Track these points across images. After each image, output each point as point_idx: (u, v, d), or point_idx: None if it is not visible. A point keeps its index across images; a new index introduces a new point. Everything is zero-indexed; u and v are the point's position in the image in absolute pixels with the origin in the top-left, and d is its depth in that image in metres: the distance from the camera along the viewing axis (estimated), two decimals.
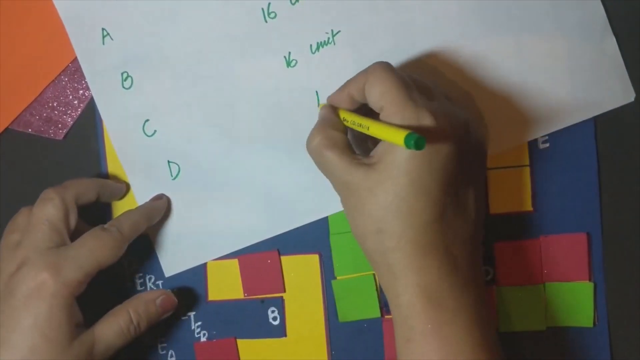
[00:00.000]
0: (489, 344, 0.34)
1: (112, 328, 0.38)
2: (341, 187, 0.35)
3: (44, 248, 0.37)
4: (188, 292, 0.43)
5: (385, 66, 0.34)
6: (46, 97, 0.43)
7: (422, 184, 0.33)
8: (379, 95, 0.34)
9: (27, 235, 0.37)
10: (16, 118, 0.43)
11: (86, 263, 0.37)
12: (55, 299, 0.35)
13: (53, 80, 0.43)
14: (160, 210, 0.42)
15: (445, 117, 0.33)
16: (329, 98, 0.38)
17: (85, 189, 0.40)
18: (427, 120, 0.32)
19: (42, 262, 0.36)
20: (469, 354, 0.33)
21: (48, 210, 0.37)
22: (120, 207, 0.43)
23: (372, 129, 0.33)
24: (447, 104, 0.35)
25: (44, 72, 0.43)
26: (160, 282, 0.44)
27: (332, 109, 0.37)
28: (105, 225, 0.38)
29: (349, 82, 0.36)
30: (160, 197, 0.42)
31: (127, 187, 0.43)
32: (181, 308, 0.43)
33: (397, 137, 0.31)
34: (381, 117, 0.34)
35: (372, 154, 0.35)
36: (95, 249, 0.37)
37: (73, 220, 0.38)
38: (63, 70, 0.43)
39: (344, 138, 0.36)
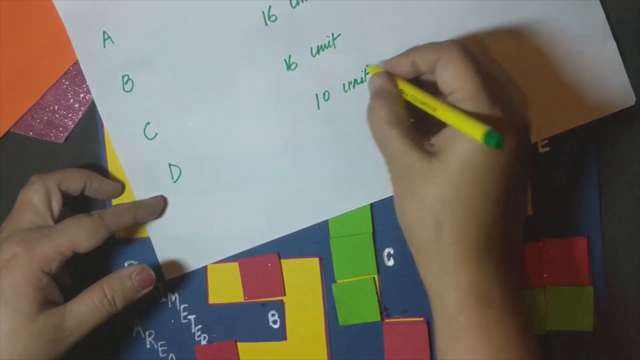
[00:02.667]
0: (533, 345, 0.34)
1: (85, 303, 0.37)
2: (398, 167, 0.34)
3: (24, 228, 0.38)
4: (189, 294, 0.43)
5: (461, 46, 0.33)
6: (47, 100, 0.43)
7: (486, 182, 0.32)
8: (453, 77, 0.32)
9: (10, 218, 0.39)
10: (17, 121, 0.43)
11: (59, 240, 0.37)
12: (23, 270, 0.36)
13: (54, 84, 0.43)
14: (150, 207, 0.42)
15: (514, 115, 0.33)
16: (386, 62, 0.36)
17: (70, 176, 0.40)
18: (499, 116, 0.31)
19: (18, 238, 0.37)
20: (516, 353, 0.32)
21: (30, 194, 0.38)
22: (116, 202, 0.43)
23: (442, 112, 0.32)
24: (513, 101, 0.34)
25: (45, 75, 0.43)
26: (161, 285, 0.44)
27: (389, 78, 0.35)
28: (91, 213, 0.39)
29: (415, 51, 0.35)
30: (157, 198, 0.42)
31: (123, 188, 0.43)
32: (181, 310, 0.43)
33: (475, 130, 0.29)
34: (450, 100, 0.33)
35: (433, 140, 0.33)
36: (71, 229, 0.37)
37: (56, 203, 0.39)
38: (64, 74, 0.43)
39: (406, 114, 0.34)
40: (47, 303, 0.37)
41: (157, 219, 0.42)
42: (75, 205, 0.42)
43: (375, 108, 0.34)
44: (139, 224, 0.42)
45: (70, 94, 0.43)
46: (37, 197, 0.38)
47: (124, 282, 0.39)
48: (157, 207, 0.42)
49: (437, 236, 0.33)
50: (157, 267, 0.43)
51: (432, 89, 0.35)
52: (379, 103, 0.34)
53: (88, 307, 0.37)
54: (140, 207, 0.41)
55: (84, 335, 0.38)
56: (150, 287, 0.40)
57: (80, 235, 0.37)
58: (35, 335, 0.36)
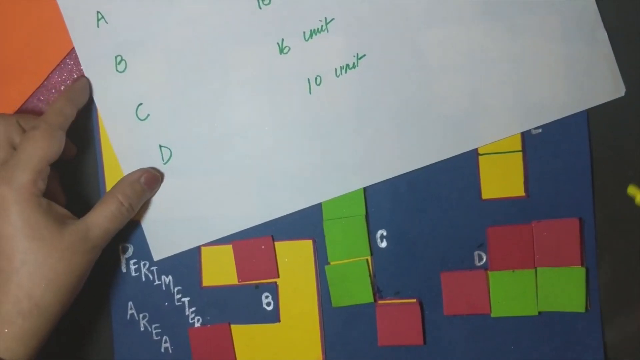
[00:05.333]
0: None
1: (104, 214, 0.40)
2: None
3: None
4: (182, 277, 0.44)
5: None
6: (53, 81, 0.43)
7: None
8: None
9: None
10: (24, 103, 0.43)
11: (30, 163, 0.38)
12: (18, 204, 0.37)
13: (59, 65, 0.43)
14: (82, 89, 0.42)
15: None
16: None
17: (26, 115, 0.41)
18: None
19: None
20: None
21: None
22: (110, 183, 0.43)
23: None
24: None
25: (48, 56, 0.43)
26: (154, 268, 0.44)
27: None
28: (34, 124, 0.39)
29: None
30: (79, 78, 0.42)
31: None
32: (176, 293, 0.43)
33: None
34: None
35: None
36: (31, 148, 0.38)
37: (16, 137, 0.40)
38: (68, 54, 0.43)
39: None
40: (61, 220, 0.38)
41: (148, 198, 0.43)
42: (67, 174, 0.42)
43: None
44: (80, 108, 0.41)
45: (76, 74, 0.43)
46: None
47: (134, 187, 0.41)
48: (86, 83, 0.42)
49: None
50: (146, 248, 0.43)
51: None
52: None
53: (108, 217, 0.40)
54: (71, 92, 0.41)
55: (109, 240, 0.40)
56: (159, 186, 0.42)
57: (42, 147, 0.38)
58: (68, 250, 0.38)
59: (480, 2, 0.40)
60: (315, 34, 0.40)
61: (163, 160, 0.43)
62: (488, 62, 0.40)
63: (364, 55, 0.40)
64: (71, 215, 0.40)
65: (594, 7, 0.39)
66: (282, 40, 0.41)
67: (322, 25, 0.40)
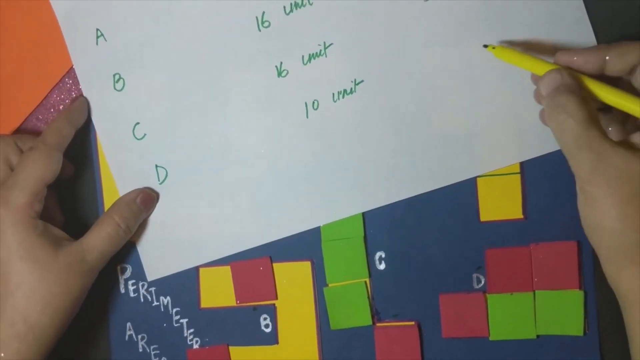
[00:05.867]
0: None
1: (101, 236, 0.40)
2: (602, 171, 0.31)
3: None
4: (181, 298, 0.44)
5: None
6: (52, 100, 0.43)
7: None
8: None
9: None
10: (23, 122, 0.44)
11: (27, 184, 0.38)
12: (14, 226, 0.37)
13: (57, 83, 0.43)
14: (80, 109, 0.42)
15: None
16: (568, 56, 0.35)
17: (24, 136, 0.41)
18: None
19: None
20: None
21: None
22: (108, 202, 0.43)
23: None
24: None
25: (47, 75, 0.43)
26: (153, 289, 0.44)
27: (573, 75, 0.34)
28: (32, 144, 0.40)
29: (607, 48, 0.34)
30: (77, 98, 0.42)
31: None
32: (174, 314, 0.43)
33: None
34: None
35: (636, 139, 0.33)
36: (28, 169, 0.38)
37: (14, 157, 0.40)
38: (67, 73, 0.43)
39: (598, 115, 0.33)
40: (57, 242, 0.39)
41: (144, 218, 0.43)
42: (65, 194, 0.43)
43: (568, 103, 0.32)
44: (78, 128, 0.42)
45: (75, 93, 0.43)
46: None
47: (131, 207, 0.41)
48: (84, 104, 0.42)
49: None
50: (140, 268, 0.43)
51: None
52: (573, 97, 0.32)
53: (105, 239, 0.40)
54: (69, 112, 0.41)
55: (106, 262, 0.40)
56: (155, 205, 0.42)
57: (39, 168, 0.38)
58: (64, 272, 0.38)
59: (478, 27, 0.40)
60: (314, 58, 0.41)
61: (159, 180, 0.43)
62: (486, 89, 0.40)
63: (362, 81, 0.40)
64: (67, 237, 0.40)
65: (591, 36, 0.39)
66: (281, 63, 0.41)
67: (320, 50, 0.41)
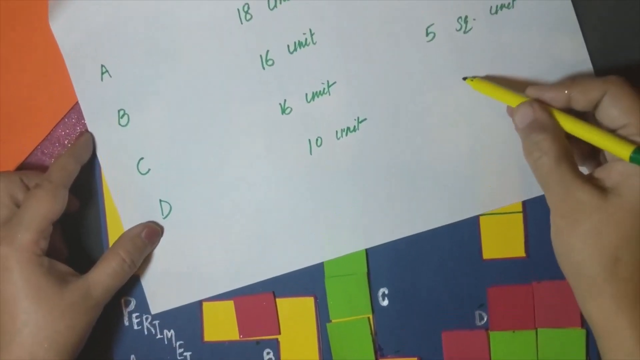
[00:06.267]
0: None
1: (106, 271, 0.40)
2: (568, 203, 0.33)
3: None
4: (184, 331, 0.44)
5: (627, 82, 0.34)
6: (57, 135, 0.44)
7: None
8: (626, 111, 0.33)
9: None
10: (28, 156, 0.44)
11: (32, 222, 0.38)
12: (20, 264, 0.38)
13: (62, 119, 0.43)
14: (85, 145, 0.42)
15: None
16: (534, 92, 0.36)
17: (30, 172, 0.42)
18: None
19: None
20: None
21: None
22: (113, 237, 0.43)
23: (615, 146, 0.32)
24: None
25: (52, 110, 0.43)
26: (156, 322, 0.44)
27: (544, 109, 0.35)
28: (37, 181, 0.40)
29: (571, 84, 0.35)
30: (82, 134, 0.43)
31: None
32: (177, 347, 0.44)
33: None
34: (621, 134, 0.33)
35: (601, 174, 0.34)
36: (34, 207, 0.39)
37: (20, 194, 0.40)
38: (72, 108, 0.43)
39: (570, 148, 0.34)
40: (63, 279, 0.39)
41: (149, 252, 0.43)
42: (69, 228, 0.43)
43: (542, 142, 0.34)
44: (83, 164, 0.42)
45: (79, 128, 0.43)
46: (1, 192, 0.40)
47: (135, 242, 0.41)
48: (89, 139, 0.42)
49: (612, 271, 0.33)
50: (144, 301, 0.44)
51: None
52: (546, 136, 0.34)
53: (110, 274, 0.40)
54: (74, 148, 0.42)
55: (111, 297, 0.41)
56: (159, 240, 0.42)
57: (44, 206, 0.39)
58: (69, 309, 0.38)
59: (480, 67, 0.40)
60: (317, 96, 0.41)
61: (163, 214, 0.43)
62: (488, 129, 0.40)
63: (365, 119, 0.41)
64: (73, 272, 0.40)
65: (588, 63, 0.40)
66: (285, 100, 0.41)
67: (324, 88, 0.41)
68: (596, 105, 0.35)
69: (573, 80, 0.36)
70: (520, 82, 0.40)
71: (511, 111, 0.38)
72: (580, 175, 0.34)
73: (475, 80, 0.39)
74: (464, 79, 0.40)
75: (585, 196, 0.33)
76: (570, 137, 0.35)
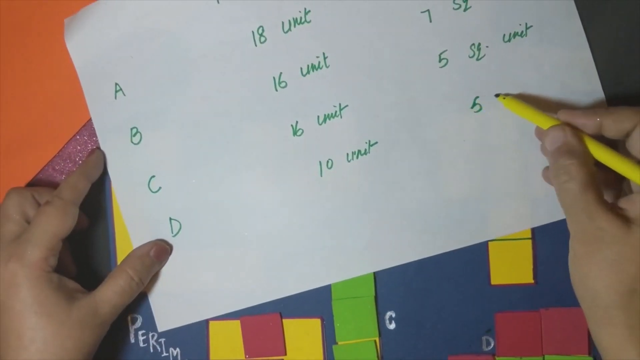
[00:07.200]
0: None
1: (114, 289, 0.40)
2: (589, 230, 0.33)
3: (7, 241, 0.39)
4: (190, 350, 0.44)
5: None
6: (69, 151, 0.44)
7: None
8: None
9: None
10: (39, 172, 0.44)
11: (42, 239, 0.38)
12: (30, 281, 0.38)
13: (74, 136, 0.44)
14: (96, 163, 0.42)
15: None
16: (567, 115, 0.36)
17: (42, 189, 0.42)
18: None
19: (7, 254, 0.38)
20: None
21: (6, 207, 0.40)
22: (121, 254, 0.44)
23: None
24: None
25: (64, 127, 0.44)
26: (163, 340, 0.44)
27: (575, 134, 0.35)
28: (48, 198, 0.40)
29: (603, 113, 0.35)
30: (93, 152, 0.43)
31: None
32: None
33: None
34: None
35: (625, 204, 0.34)
36: (44, 224, 0.39)
37: (31, 211, 0.40)
38: (84, 125, 0.44)
39: (597, 174, 0.34)
40: (71, 296, 0.39)
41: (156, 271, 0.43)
42: (78, 245, 0.43)
43: (570, 166, 0.34)
44: (93, 182, 0.42)
45: (91, 145, 0.44)
46: (12, 208, 0.40)
47: (144, 260, 0.41)
48: (100, 157, 0.43)
49: (629, 302, 0.33)
50: (151, 318, 0.44)
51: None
52: (574, 161, 0.34)
53: (117, 292, 0.40)
54: (85, 166, 0.42)
55: (118, 315, 0.41)
56: (168, 258, 0.43)
57: (54, 224, 0.39)
58: (77, 326, 0.38)
59: (491, 91, 0.40)
60: (329, 119, 0.41)
61: (172, 232, 0.43)
62: (499, 155, 0.41)
63: (376, 142, 0.41)
64: (81, 289, 0.40)
65: (600, 92, 0.40)
66: (296, 122, 0.41)
67: (336, 111, 0.41)
68: (627, 134, 0.35)
69: (607, 108, 0.36)
70: (550, 103, 0.40)
71: (540, 132, 0.38)
72: (604, 203, 0.34)
73: (508, 99, 0.39)
74: (496, 95, 0.40)
75: (608, 225, 0.33)
76: (597, 163, 0.35)
